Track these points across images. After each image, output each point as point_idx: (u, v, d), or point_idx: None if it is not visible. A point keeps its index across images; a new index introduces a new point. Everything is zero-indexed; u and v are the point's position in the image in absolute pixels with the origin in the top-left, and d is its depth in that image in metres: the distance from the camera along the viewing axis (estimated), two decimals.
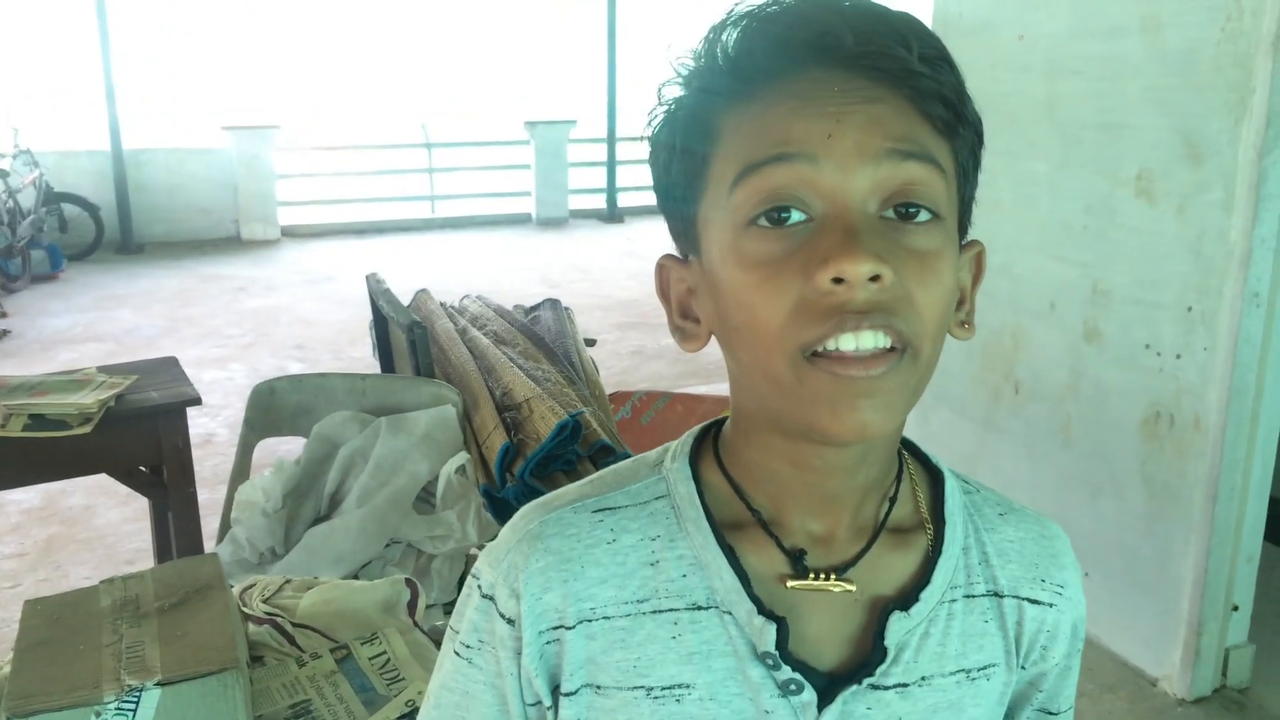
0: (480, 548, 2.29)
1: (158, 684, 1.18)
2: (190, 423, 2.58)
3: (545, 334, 3.07)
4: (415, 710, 1.32)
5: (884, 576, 0.75)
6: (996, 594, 0.78)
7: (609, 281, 8.52)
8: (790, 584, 0.73)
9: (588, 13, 11.75)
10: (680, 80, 0.70)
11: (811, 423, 0.66)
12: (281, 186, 10.19)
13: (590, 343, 3.33)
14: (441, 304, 3.38)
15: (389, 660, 1.46)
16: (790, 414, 0.68)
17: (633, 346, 6.63)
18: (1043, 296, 3.31)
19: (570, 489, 0.80)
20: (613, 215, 11.52)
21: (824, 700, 0.72)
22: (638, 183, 11.28)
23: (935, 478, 0.80)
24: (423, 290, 3.59)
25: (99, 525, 4.16)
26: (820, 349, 0.64)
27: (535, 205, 11.28)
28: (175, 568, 1.44)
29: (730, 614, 0.72)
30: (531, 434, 2.32)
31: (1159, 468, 2.93)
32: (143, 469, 2.64)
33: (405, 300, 3.42)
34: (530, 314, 3.37)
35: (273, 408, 2.54)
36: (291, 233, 10.20)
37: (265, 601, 1.55)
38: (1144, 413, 2.96)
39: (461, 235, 10.54)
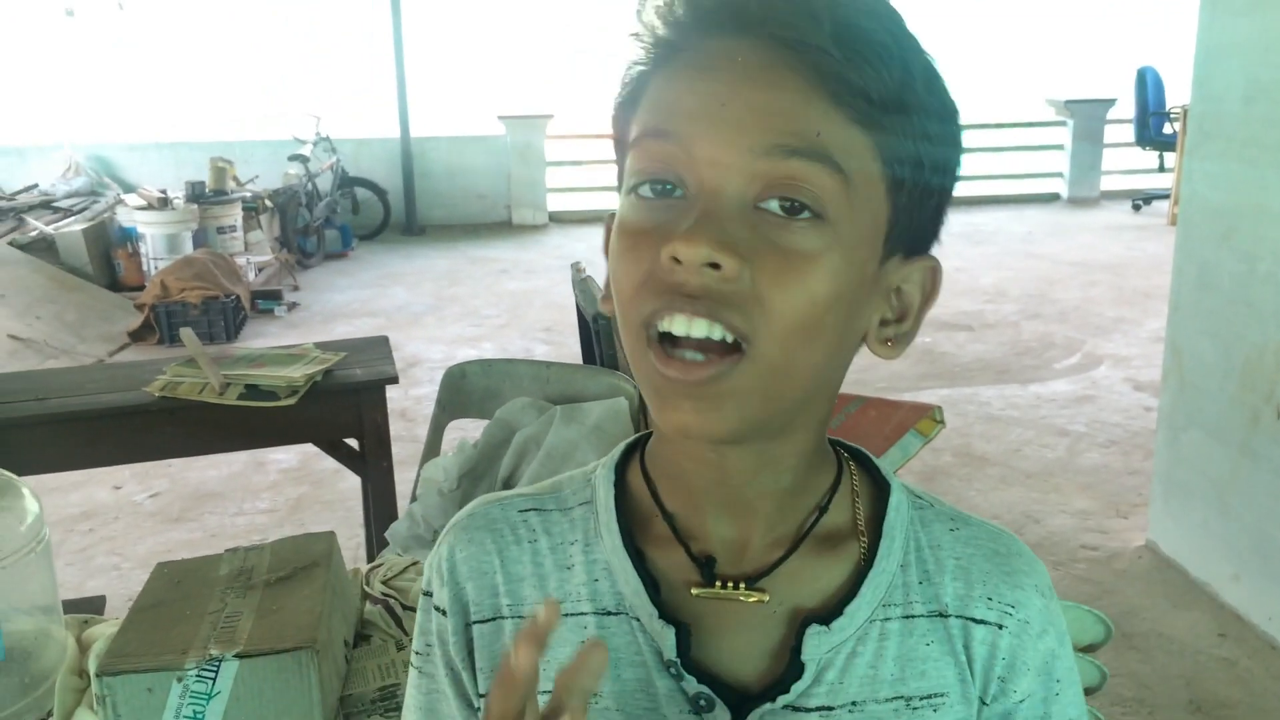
0: None
1: (237, 655, 1.23)
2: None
3: None
4: None
5: (807, 589, 0.70)
6: (941, 614, 0.70)
7: None
8: (695, 591, 0.69)
9: None
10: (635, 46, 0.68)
11: (654, 413, 0.64)
12: (551, 174, 10.58)
13: None
14: None
15: None
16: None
17: None
18: None
19: (515, 490, 0.80)
20: None
21: (738, 718, 0.67)
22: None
23: (884, 490, 0.74)
24: None
25: (343, 489, 4.46)
26: (659, 328, 0.62)
27: None
28: (293, 542, 1.50)
29: (638, 620, 0.70)
30: None
31: None
32: (349, 442, 2.80)
33: None
34: None
35: (463, 390, 2.63)
36: (559, 218, 10.57)
37: (385, 582, 1.60)
38: None
39: None
